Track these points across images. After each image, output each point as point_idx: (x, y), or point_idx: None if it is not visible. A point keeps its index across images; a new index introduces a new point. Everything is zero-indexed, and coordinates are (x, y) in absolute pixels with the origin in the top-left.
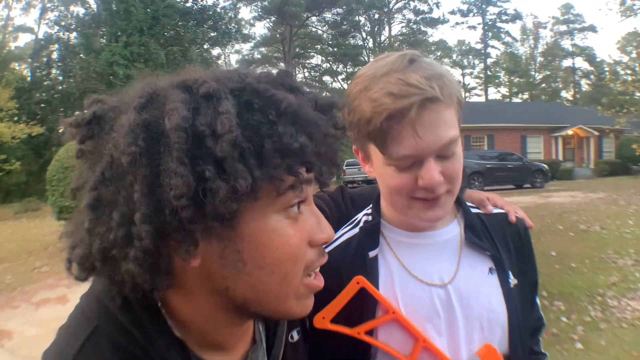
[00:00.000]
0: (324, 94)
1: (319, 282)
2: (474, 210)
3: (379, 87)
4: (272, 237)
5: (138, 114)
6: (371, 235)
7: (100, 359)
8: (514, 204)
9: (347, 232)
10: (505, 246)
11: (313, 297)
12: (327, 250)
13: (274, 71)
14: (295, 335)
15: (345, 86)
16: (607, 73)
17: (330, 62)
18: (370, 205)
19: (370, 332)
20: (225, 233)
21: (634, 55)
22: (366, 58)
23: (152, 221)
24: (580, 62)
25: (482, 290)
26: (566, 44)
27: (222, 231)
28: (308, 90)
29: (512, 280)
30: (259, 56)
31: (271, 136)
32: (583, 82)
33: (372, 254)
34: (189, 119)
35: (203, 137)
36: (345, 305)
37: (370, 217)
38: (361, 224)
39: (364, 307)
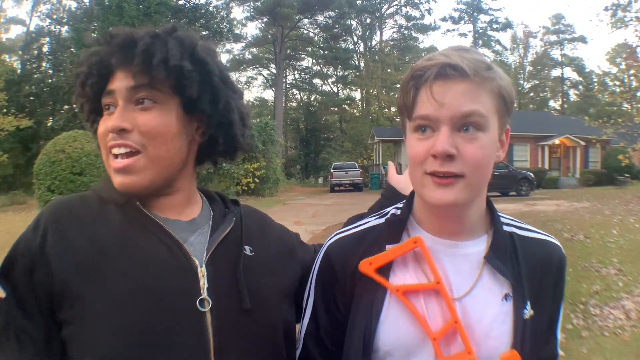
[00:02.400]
0: (313, 97)
1: (114, 164)
2: (507, 229)
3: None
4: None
5: None
6: (395, 229)
7: (72, 198)
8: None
9: (373, 221)
10: (532, 274)
11: (121, 176)
12: (348, 232)
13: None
14: (248, 252)
15: (335, 89)
16: (595, 84)
17: (321, 65)
18: (403, 201)
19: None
20: None
21: (622, 66)
22: (357, 62)
23: None
24: (569, 72)
25: (490, 315)
26: (556, 53)
27: None
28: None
29: (529, 312)
30: (250, 56)
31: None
32: (571, 92)
33: (389, 247)
34: None
35: None
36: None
37: (399, 212)
38: (388, 216)
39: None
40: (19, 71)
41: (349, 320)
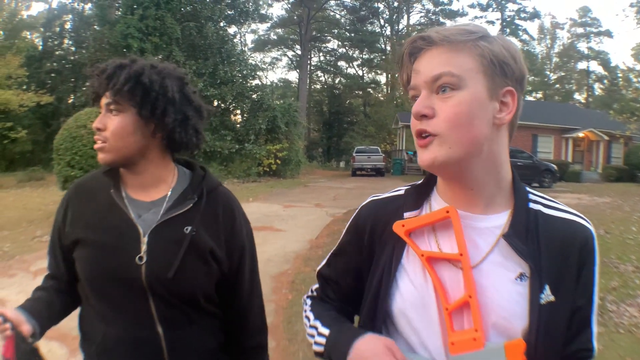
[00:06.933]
0: (338, 80)
1: (96, 146)
2: (534, 206)
3: None
4: None
5: None
6: (415, 197)
7: (86, 179)
8: None
9: (403, 189)
10: (552, 255)
11: (98, 154)
12: (380, 197)
13: None
14: (189, 231)
15: (361, 72)
16: (620, 79)
17: (347, 48)
18: None
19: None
20: None
21: None
22: (383, 45)
23: None
24: (595, 66)
25: (499, 293)
26: (582, 46)
27: None
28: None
29: (547, 297)
30: (275, 37)
31: None
32: (596, 85)
33: (407, 215)
34: None
35: None
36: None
37: (423, 180)
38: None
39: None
40: (40, 48)
41: (367, 282)
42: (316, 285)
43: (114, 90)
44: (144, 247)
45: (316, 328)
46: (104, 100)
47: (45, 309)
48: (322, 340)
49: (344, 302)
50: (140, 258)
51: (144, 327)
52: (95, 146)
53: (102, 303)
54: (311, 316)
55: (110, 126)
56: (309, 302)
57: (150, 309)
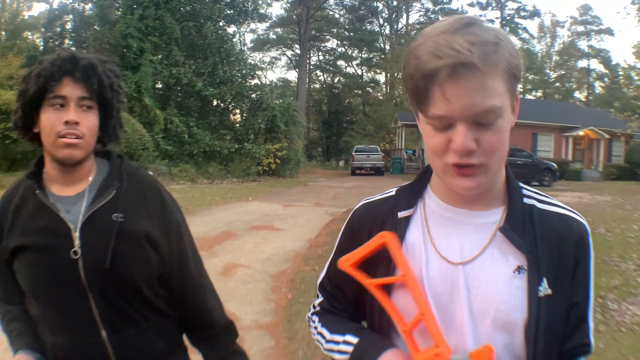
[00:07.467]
0: (337, 79)
1: (67, 141)
2: (528, 201)
3: (427, 45)
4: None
5: None
6: (408, 195)
7: (10, 189)
8: None
9: (395, 190)
10: (549, 249)
11: (69, 149)
12: (373, 199)
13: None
14: (119, 218)
15: (360, 72)
16: (621, 77)
17: (346, 47)
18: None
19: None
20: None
21: None
22: (382, 45)
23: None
24: (596, 64)
25: (497, 287)
26: (582, 44)
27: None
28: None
29: (545, 290)
30: (274, 37)
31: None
32: (597, 84)
33: (401, 214)
34: None
35: None
36: (371, 256)
37: (415, 179)
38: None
39: (389, 262)
40: (41, 48)
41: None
42: (319, 300)
43: (106, 90)
44: (77, 242)
45: (335, 341)
46: (75, 93)
47: (32, 337)
48: (349, 349)
49: (353, 310)
50: (75, 252)
51: (87, 332)
52: (69, 141)
53: (46, 311)
54: (325, 332)
55: (86, 122)
56: (316, 318)
57: (92, 310)
